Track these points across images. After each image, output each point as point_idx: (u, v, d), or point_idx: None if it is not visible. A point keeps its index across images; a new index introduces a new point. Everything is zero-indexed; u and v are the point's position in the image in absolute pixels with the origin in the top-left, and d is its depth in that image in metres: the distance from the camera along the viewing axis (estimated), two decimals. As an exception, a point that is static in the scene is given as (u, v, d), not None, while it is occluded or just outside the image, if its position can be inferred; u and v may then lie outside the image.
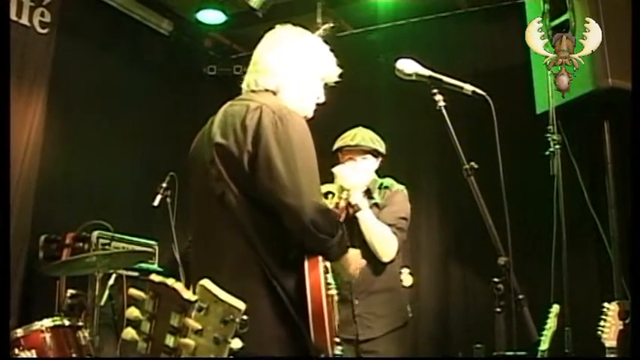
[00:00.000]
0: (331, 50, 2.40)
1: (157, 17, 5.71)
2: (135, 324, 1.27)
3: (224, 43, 6.16)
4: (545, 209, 3.43)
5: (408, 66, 2.31)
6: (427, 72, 2.30)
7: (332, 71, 2.37)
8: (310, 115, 2.34)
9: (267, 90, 2.25)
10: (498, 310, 2.03)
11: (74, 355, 3.29)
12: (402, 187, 3.47)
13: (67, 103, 4.80)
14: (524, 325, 1.99)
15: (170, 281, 1.25)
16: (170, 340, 1.22)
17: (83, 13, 4.98)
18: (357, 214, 3.24)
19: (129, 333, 1.26)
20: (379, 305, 3.29)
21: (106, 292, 3.91)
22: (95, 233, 4.35)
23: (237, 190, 2.06)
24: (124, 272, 4.34)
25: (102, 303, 3.84)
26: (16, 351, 3.14)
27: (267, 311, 1.99)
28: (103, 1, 5.18)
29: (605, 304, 2.96)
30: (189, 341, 1.18)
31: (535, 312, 2.04)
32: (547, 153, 3.37)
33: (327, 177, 3.25)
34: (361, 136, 3.40)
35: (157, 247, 4.84)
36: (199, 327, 1.19)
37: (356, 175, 3.27)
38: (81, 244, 4.34)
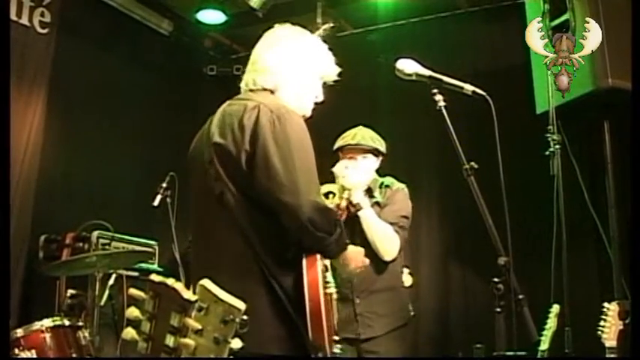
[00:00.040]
0: (331, 50, 2.40)
1: (157, 17, 5.71)
2: (135, 324, 1.27)
3: (224, 43, 6.16)
4: (545, 209, 3.43)
5: (408, 66, 2.31)
6: (427, 72, 2.30)
7: (330, 70, 2.37)
8: (309, 114, 2.34)
9: (265, 89, 2.25)
10: (498, 310, 2.03)
11: (74, 355, 3.29)
12: (402, 185, 3.47)
13: (67, 103, 4.80)
14: (524, 325, 1.99)
15: (170, 281, 1.25)
16: (170, 340, 1.22)
17: (83, 13, 4.98)
18: (359, 214, 3.24)
19: (129, 333, 1.26)
20: (380, 304, 3.29)
21: (106, 292, 3.91)
22: (95, 233, 4.35)
23: (235, 190, 2.07)
24: (124, 272, 4.34)
25: (102, 303, 3.84)
26: (16, 351, 3.14)
27: (267, 311, 2.00)
28: (103, 1, 5.18)
29: (605, 304, 2.96)
30: (189, 341, 1.18)
31: (535, 312, 2.04)
32: (547, 153, 3.37)
33: (328, 177, 3.25)
34: (362, 135, 3.40)
35: (157, 247, 4.84)
36: (199, 327, 1.19)
37: (357, 175, 3.27)
38: (81, 244, 4.34)
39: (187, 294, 1.21)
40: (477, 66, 5.08)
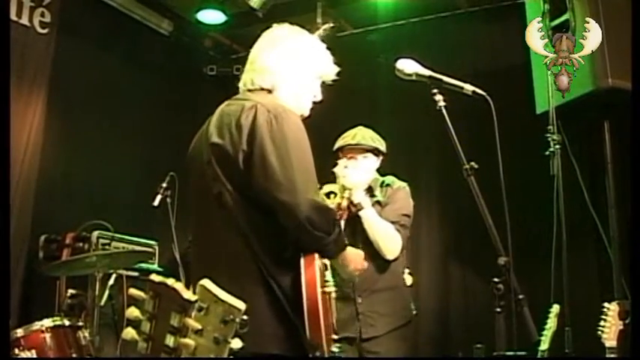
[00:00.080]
0: (331, 50, 2.39)
1: (157, 17, 5.71)
2: (135, 324, 1.27)
3: (224, 43, 6.16)
4: (545, 209, 3.43)
5: (408, 66, 2.31)
6: (427, 72, 2.30)
7: (329, 70, 2.37)
8: (307, 113, 2.34)
9: (263, 89, 2.26)
10: (498, 310, 2.03)
11: (74, 355, 3.29)
12: (404, 184, 3.47)
13: (67, 103, 4.80)
14: (524, 325, 1.99)
15: (170, 281, 1.25)
16: (170, 340, 1.22)
17: (83, 13, 4.98)
18: (360, 213, 3.25)
19: (129, 333, 1.26)
20: (382, 304, 3.30)
21: (106, 292, 3.91)
22: (95, 233, 4.35)
23: (233, 190, 2.07)
24: (124, 272, 4.34)
25: (102, 303, 3.84)
26: (16, 351, 3.14)
27: (265, 310, 2.00)
28: (102, 1, 5.18)
29: (605, 304, 2.96)
30: (189, 341, 1.18)
31: (535, 312, 2.04)
32: (547, 153, 3.37)
33: (328, 177, 3.26)
34: (362, 135, 3.41)
35: (157, 247, 4.84)
36: (199, 327, 1.19)
37: (357, 174, 3.27)
38: (81, 244, 4.34)
39: (187, 294, 1.21)
40: (476, 66, 5.07)
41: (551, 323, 3.11)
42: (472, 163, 2.16)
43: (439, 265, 5.15)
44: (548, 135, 3.39)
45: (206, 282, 1.21)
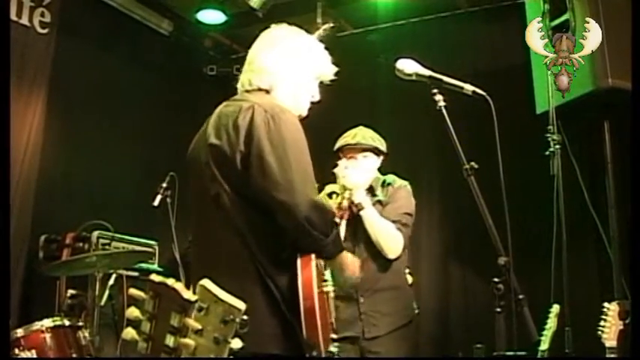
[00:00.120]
0: (331, 50, 2.39)
1: (157, 17, 5.71)
2: (135, 324, 1.27)
3: (224, 43, 6.16)
4: (545, 209, 3.43)
5: (408, 66, 2.31)
6: (427, 72, 2.30)
7: (327, 70, 2.36)
8: (305, 113, 2.34)
9: (260, 89, 2.25)
10: (498, 310, 2.03)
11: (74, 355, 3.29)
12: (405, 182, 3.47)
13: (67, 103, 4.80)
14: (524, 325, 1.99)
15: (170, 281, 1.25)
16: (170, 340, 1.22)
17: (83, 13, 4.98)
18: (361, 213, 3.25)
19: (129, 333, 1.26)
20: (384, 303, 3.29)
21: (106, 292, 3.91)
22: (95, 233, 4.35)
23: (230, 191, 2.07)
24: (124, 272, 4.34)
25: (102, 303, 3.84)
26: (16, 351, 3.14)
27: (263, 310, 2.00)
28: (102, 1, 5.18)
29: (605, 304, 2.96)
30: (189, 341, 1.18)
31: (535, 312, 2.04)
32: (547, 153, 3.37)
33: (328, 177, 3.26)
34: (362, 134, 3.41)
35: (157, 247, 4.84)
36: (199, 327, 1.19)
37: (357, 174, 3.27)
38: (81, 244, 4.34)
39: (187, 294, 1.21)
40: (477, 66, 5.08)
41: (551, 323, 3.11)
42: (472, 163, 2.16)
43: (439, 265, 5.15)
44: (548, 135, 3.39)
45: (206, 282, 1.21)
